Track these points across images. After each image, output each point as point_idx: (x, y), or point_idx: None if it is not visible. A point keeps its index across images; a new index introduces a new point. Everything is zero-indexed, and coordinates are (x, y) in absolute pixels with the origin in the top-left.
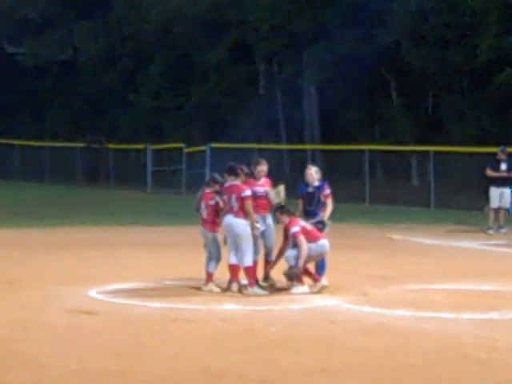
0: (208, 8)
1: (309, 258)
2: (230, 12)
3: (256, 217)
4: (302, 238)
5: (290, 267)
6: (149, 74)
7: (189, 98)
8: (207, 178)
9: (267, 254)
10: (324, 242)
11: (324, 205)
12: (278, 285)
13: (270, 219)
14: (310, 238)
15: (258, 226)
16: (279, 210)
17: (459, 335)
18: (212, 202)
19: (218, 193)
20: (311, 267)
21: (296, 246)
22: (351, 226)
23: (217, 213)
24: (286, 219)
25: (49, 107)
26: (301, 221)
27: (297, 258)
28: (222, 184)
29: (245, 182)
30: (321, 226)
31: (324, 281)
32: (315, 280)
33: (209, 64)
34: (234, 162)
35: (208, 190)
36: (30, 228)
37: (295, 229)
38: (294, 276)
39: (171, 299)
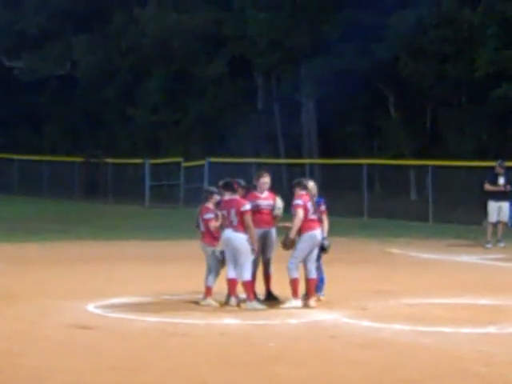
0: (206, 22)
1: (301, 251)
2: (228, 26)
3: (258, 231)
4: (299, 212)
5: (286, 236)
6: (147, 88)
7: (187, 112)
8: (203, 195)
9: (265, 268)
10: (316, 232)
11: (320, 220)
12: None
13: (273, 233)
14: (304, 226)
15: (254, 256)
16: (297, 182)
17: (458, 349)
18: (206, 217)
19: (218, 204)
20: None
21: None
22: (350, 240)
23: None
24: (298, 191)
25: (47, 121)
26: (308, 201)
27: (297, 269)
28: (218, 193)
29: (247, 196)
30: (325, 242)
31: (312, 303)
32: (309, 297)
33: (207, 78)
34: (230, 178)
35: (207, 205)
36: (28, 242)
37: (297, 201)
38: (288, 243)
39: (169, 313)
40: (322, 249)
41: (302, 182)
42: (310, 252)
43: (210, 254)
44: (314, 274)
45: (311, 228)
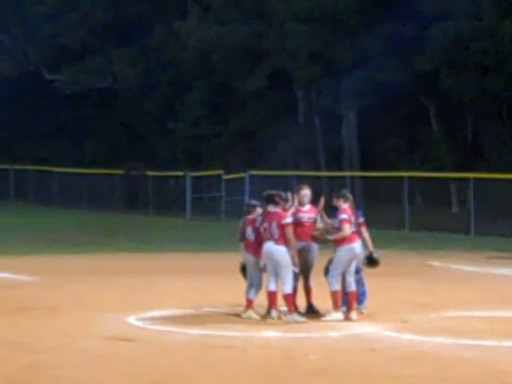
0: (247, 35)
1: (340, 263)
2: (268, 39)
3: (299, 244)
4: (346, 227)
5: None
6: (188, 101)
7: (228, 125)
8: (244, 208)
9: (306, 281)
10: (355, 245)
11: (358, 232)
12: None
13: (314, 246)
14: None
15: (296, 270)
16: (336, 193)
17: (499, 363)
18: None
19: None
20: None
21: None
22: (391, 253)
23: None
24: (340, 203)
25: (88, 134)
26: (352, 214)
27: (338, 282)
28: (260, 206)
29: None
30: (375, 255)
31: (354, 315)
32: (349, 309)
33: (247, 91)
34: (271, 191)
35: (250, 217)
36: (68, 254)
37: (343, 216)
38: (318, 237)
39: (210, 326)
40: (372, 261)
41: (346, 195)
42: (349, 265)
43: (252, 264)
44: (353, 287)
45: (350, 241)
